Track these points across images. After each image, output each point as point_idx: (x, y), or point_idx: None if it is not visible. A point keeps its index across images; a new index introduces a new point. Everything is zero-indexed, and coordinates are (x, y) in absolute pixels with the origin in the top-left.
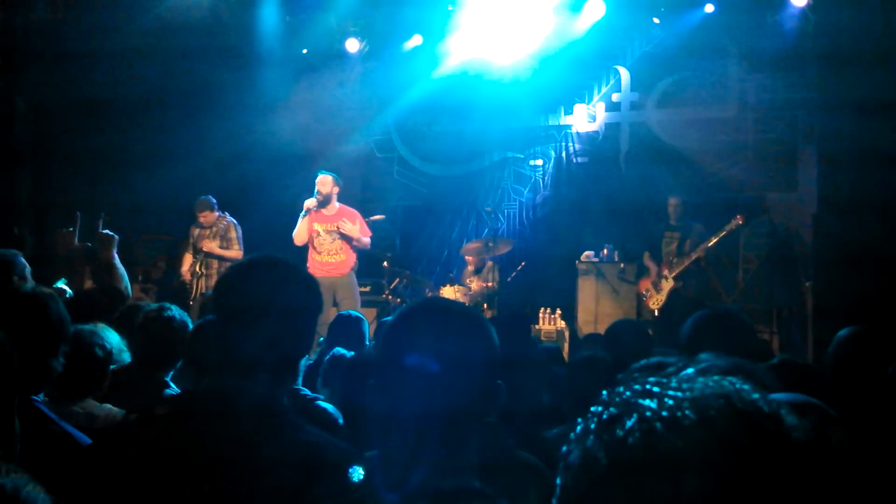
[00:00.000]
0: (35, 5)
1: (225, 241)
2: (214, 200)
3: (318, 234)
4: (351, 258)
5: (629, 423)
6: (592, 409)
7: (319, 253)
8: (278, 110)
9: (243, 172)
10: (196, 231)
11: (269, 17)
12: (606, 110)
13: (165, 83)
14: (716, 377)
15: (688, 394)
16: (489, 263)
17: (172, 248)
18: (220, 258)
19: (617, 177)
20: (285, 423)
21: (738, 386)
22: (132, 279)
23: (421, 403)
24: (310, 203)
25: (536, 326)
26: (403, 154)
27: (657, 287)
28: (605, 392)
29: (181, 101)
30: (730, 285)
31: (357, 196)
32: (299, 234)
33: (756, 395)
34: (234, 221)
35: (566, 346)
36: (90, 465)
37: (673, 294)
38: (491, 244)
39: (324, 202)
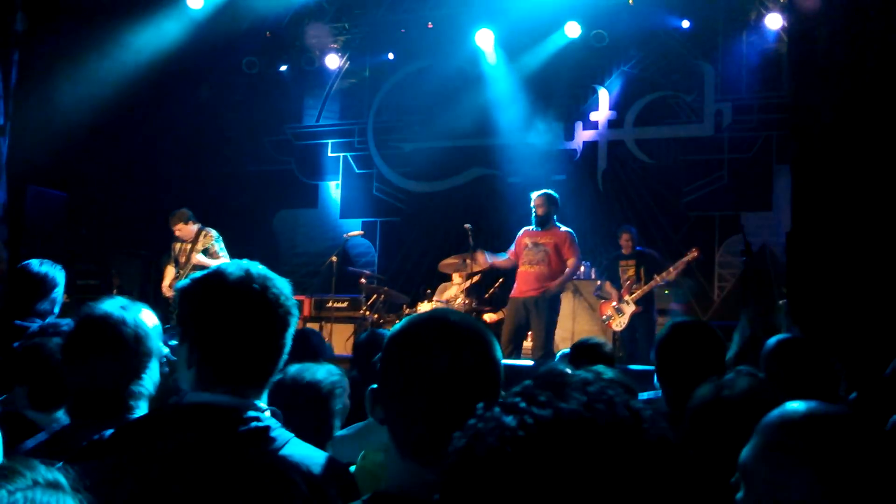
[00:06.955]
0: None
1: (208, 255)
2: (189, 213)
3: (527, 245)
4: (554, 274)
5: (489, 440)
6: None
7: (524, 264)
8: (261, 131)
9: (223, 191)
10: (177, 246)
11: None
12: (584, 129)
13: (152, 106)
14: (591, 388)
15: (548, 411)
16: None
17: (148, 264)
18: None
19: (594, 194)
20: (278, 436)
21: (608, 395)
22: (109, 293)
23: (427, 414)
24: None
25: None
26: (382, 170)
27: (619, 311)
28: (480, 405)
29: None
30: (704, 303)
31: (335, 212)
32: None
33: (624, 400)
34: (214, 232)
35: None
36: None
37: (634, 317)
38: (468, 260)
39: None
